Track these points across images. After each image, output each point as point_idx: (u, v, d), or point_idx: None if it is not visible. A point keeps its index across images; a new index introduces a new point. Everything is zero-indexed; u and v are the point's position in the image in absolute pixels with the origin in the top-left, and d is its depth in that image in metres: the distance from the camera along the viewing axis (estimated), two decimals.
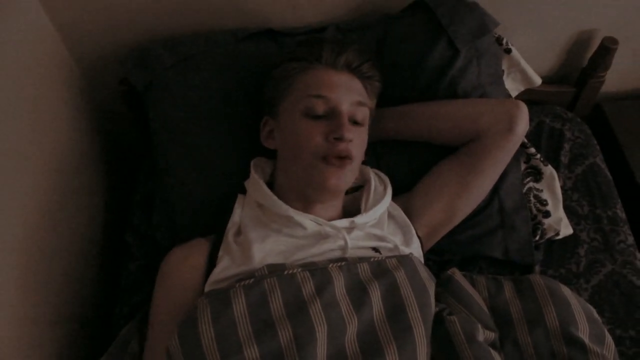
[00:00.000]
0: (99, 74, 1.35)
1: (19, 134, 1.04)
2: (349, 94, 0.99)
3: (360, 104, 1.00)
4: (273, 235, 0.96)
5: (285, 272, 0.87)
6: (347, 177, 0.97)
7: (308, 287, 0.86)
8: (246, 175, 1.07)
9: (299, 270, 0.88)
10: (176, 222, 1.14)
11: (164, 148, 1.16)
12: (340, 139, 0.94)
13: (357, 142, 0.97)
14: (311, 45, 1.03)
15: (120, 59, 1.21)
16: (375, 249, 0.98)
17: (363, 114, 1.01)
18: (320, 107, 0.97)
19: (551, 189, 1.23)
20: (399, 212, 1.06)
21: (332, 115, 0.97)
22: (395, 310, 0.87)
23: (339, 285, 0.88)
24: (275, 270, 0.88)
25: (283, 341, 0.81)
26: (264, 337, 0.81)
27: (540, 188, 1.23)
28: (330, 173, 0.94)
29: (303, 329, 0.82)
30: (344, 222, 0.97)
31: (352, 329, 0.85)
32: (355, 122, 0.99)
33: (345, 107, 0.97)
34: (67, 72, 1.28)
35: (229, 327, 0.81)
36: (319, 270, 0.88)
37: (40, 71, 1.15)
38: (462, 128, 1.08)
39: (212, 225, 1.03)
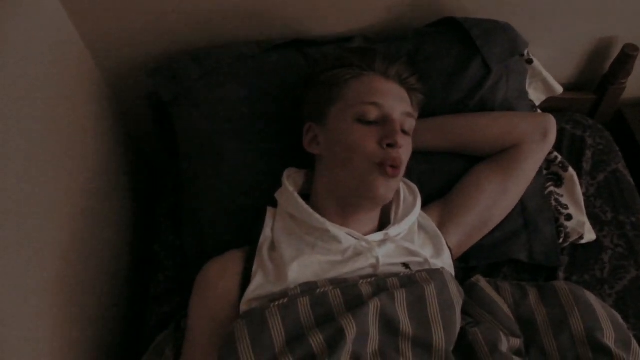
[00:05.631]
0: (125, 87, 1.37)
1: (51, 143, 1.07)
2: (400, 103, 1.00)
3: (409, 115, 1.01)
4: (307, 252, 0.96)
5: (317, 291, 0.89)
6: (395, 187, 0.99)
7: (338, 303, 0.88)
8: (275, 186, 1.07)
9: (330, 288, 0.89)
10: (204, 234, 1.15)
11: (192, 160, 1.18)
12: (393, 145, 0.95)
13: (405, 150, 0.99)
14: (364, 53, 1.05)
15: (147, 70, 1.23)
16: (406, 265, 0.98)
17: (410, 124, 1.02)
18: (373, 114, 0.97)
19: (571, 193, 1.24)
20: (429, 222, 1.07)
21: (383, 122, 0.98)
22: (420, 326, 0.89)
23: (368, 295, 0.89)
24: (308, 289, 0.90)
25: (316, 349, 0.83)
26: (299, 351, 0.83)
27: (561, 193, 1.25)
28: (381, 183, 0.95)
29: (333, 334, 0.84)
30: (379, 236, 0.98)
31: (374, 339, 0.87)
32: (403, 131, 1.00)
33: (397, 115, 0.99)
34: (94, 84, 1.30)
35: (268, 348, 0.83)
36: (349, 287, 0.90)
37: (68, 83, 1.18)
38: (498, 138, 1.13)
39: (241, 238, 1.04)
